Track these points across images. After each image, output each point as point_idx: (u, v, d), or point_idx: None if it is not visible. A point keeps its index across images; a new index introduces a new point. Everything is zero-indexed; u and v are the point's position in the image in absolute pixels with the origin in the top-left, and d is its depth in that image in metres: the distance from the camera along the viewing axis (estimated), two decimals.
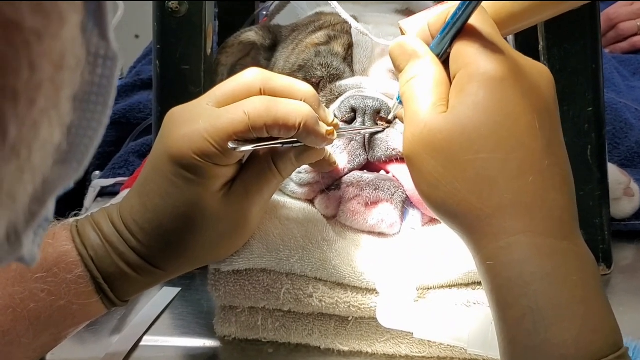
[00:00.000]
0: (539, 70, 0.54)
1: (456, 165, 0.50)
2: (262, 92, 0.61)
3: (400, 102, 0.57)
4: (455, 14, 0.53)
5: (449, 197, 0.51)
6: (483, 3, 0.54)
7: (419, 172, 0.53)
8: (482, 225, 0.50)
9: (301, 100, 0.61)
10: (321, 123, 0.62)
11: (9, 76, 0.24)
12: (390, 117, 0.69)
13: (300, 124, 0.59)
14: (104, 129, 0.31)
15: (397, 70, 0.57)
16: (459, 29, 0.53)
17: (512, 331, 0.49)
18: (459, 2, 0.52)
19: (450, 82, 0.53)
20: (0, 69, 0.24)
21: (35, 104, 0.26)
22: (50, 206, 0.30)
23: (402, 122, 0.58)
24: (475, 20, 0.53)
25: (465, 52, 0.52)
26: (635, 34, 1.46)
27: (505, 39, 0.90)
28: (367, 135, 0.70)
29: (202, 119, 0.59)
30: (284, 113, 0.59)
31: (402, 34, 0.60)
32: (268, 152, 0.63)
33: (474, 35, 0.53)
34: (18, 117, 0.25)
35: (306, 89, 0.62)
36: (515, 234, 0.49)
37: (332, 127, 0.62)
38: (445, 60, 0.55)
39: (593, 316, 0.48)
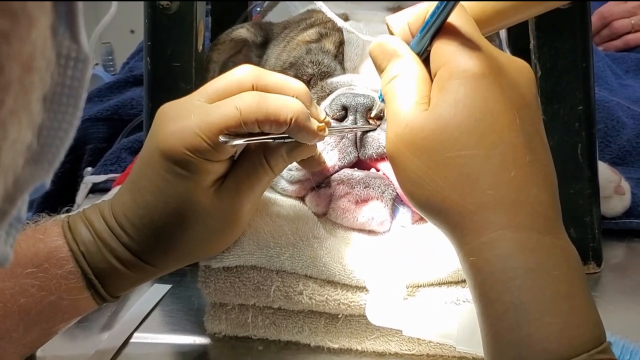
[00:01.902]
0: (518, 67, 0.54)
1: (438, 162, 0.51)
2: (254, 89, 0.61)
3: (383, 101, 0.57)
4: (434, 12, 0.53)
5: (432, 195, 0.51)
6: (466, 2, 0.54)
7: (403, 171, 0.53)
8: (465, 222, 0.50)
9: (293, 96, 0.61)
10: (312, 119, 0.62)
11: None
12: (372, 114, 0.69)
13: (291, 119, 0.59)
14: (75, 130, 0.31)
15: (378, 70, 0.57)
16: (438, 28, 0.53)
17: (495, 326, 0.49)
18: (437, 1, 0.52)
19: (432, 80, 0.54)
20: None
21: (4, 105, 0.26)
22: (22, 206, 0.30)
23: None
24: (454, 19, 0.53)
25: (444, 50, 0.53)
26: (629, 32, 1.46)
27: (498, 37, 0.90)
28: (358, 133, 0.70)
29: (194, 114, 0.59)
30: (275, 108, 0.59)
31: (389, 29, 0.60)
32: (260, 148, 0.63)
33: (453, 33, 0.53)
34: None
35: (298, 85, 0.62)
36: (497, 229, 0.49)
37: (323, 124, 0.63)
38: (425, 59, 0.55)
39: (576, 311, 0.48)
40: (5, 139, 0.26)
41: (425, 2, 0.57)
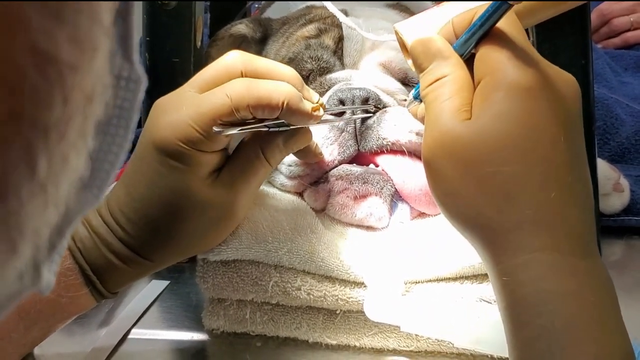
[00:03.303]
0: (566, 81, 0.51)
1: (476, 176, 0.49)
2: (243, 75, 0.60)
3: (416, 98, 0.56)
4: (484, 14, 0.50)
5: (467, 208, 0.50)
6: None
7: (437, 178, 0.51)
8: (500, 240, 0.48)
9: (284, 81, 0.60)
10: (306, 101, 0.61)
11: (42, 110, 0.23)
12: (406, 105, 0.67)
13: (283, 102, 0.58)
14: (125, 154, 0.30)
15: (419, 68, 0.55)
16: (486, 31, 0.51)
17: (525, 350, 0.47)
18: (487, 3, 0.50)
19: (474, 86, 0.52)
20: (34, 103, 0.23)
21: (66, 138, 0.24)
22: (69, 235, 0.29)
23: (422, 122, 0.56)
24: (503, 24, 0.51)
25: (492, 57, 0.50)
26: (628, 30, 1.46)
27: None
28: (358, 125, 0.70)
29: (185, 105, 0.59)
30: (266, 92, 0.58)
31: (397, 37, 0.59)
32: (256, 140, 0.62)
33: (502, 40, 0.50)
34: (48, 151, 0.24)
35: (288, 70, 0.62)
36: (534, 251, 0.47)
37: (317, 104, 0.62)
38: (467, 60, 0.53)
39: (609, 338, 0.47)
40: (65, 172, 0.25)
41: (432, 10, 0.56)
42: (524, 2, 0.53)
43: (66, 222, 0.28)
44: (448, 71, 0.52)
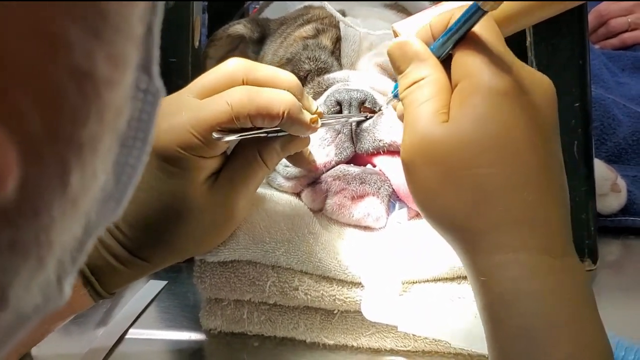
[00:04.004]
0: (542, 85, 0.52)
1: (454, 178, 0.49)
2: (244, 83, 0.60)
3: (396, 96, 0.56)
4: (460, 18, 0.51)
5: (444, 210, 0.50)
6: None
7: (416, 180, 0.52)
8: (478, 240, 0.49)
9: (284, 89, 0.60)
10: (305, 111, 0.61)
11: (78, 128, 0.23)
12: (383, 107, 0.68)
13: (283, 112, 0.59)
14: (143, 166, 0.29)
15: (397, 71, 0.55)
16: (463, 34, 0.51)
17: (504, 349, 0.48)
18: (464, 5, 0.51)
19: (452, 88, 0.52)
20: (71, 121, 0.23)
21: (97, 153, 0.24)
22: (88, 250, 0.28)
23: (401, 121, 0.57)
24: (480, 27, 0.51)
25: (469, 61, 0.51)
26: (626, 31, 1.46)
27: None
28: (354, 127, 0.70)
29: (185, 111, 0.59)
30: (267, 102, 0.58)
31: (395, 36, 0.60)
32: (253, 143, 0.63)
33: (479, 43, 0.51)
34: (81, 168, 0.24)
35: (289, 78, 0.62)
36: (510, 251, 0.48)
37: (316, 115, 0.62)
38: (445, 60, 0.53)
39: (586, 334, 0.47)
40: (93, 188, 0.25)
41: (430, 10, 0.56)
42: (520, 2, 0.53)
43: (87, 235, 0.27)
44: (425, 73, 0.53)
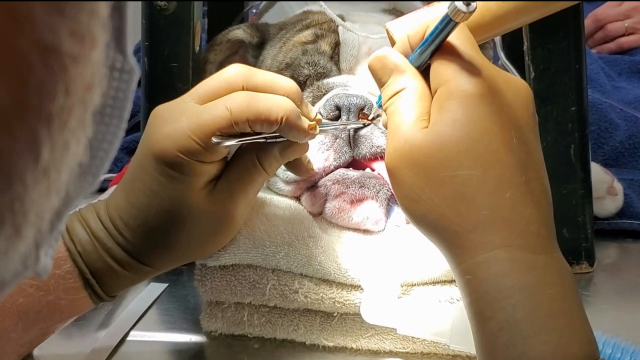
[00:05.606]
0: (516, 86, 0.54)
1: (435, 181, 0.51)
2: (244, 89, 0.61)
3: (380, 106, 0.58)
4: (434, 30, 0.53)
5: (429, 212, 0.52)
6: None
7: (400, 185, 0.53)
8: (461, 240, 0.51)
9: (283, 95, 0.61)
10: (303, 118, 0.62)
11: (46, 101, 0.25)
12: (369, 117, 0.70)
13: (282, 118, 0.59)
14: (119, 142, 0.31)
15: (379, 83, 0.57)
16: (438, 45, 0.53)
17: (490, 344, 0.49)
18: (438, 17, 0.52)
19: (432, 95, 0.54)
20: (38, 94, 0.24)
21: (67, 126, 0.26)
22: (66, 218, 0.30)
23: (385, 127, 0.58)
24: (454, 37, 0.53)
25: (444, 69, 0.53)
26: (623, 35, 1.47)
27: (492, 40, 0.91)
28: (352, 133, 0.71)
29: (185, 116, 0.59)
30: (266, 108, 0.59)
31: (389, 36, 0.61)
32: (252, 149, 0.63)
33: (453, 53, 0.53)
34: (51, 139, 0.25)
35: (288, 84, 0.62)
36: (493, 248, 0.50)
37: (314, 122, 0.63)
38: (424, 70, 0.55)
39: (570, 328, 0.48)
40: (66, 159, 0.27)
41: (435, 4, 0.57)
42: (513, 3, 0.55)
43: (65, 206, 0.29)
44: (405, 84, 0.55)
